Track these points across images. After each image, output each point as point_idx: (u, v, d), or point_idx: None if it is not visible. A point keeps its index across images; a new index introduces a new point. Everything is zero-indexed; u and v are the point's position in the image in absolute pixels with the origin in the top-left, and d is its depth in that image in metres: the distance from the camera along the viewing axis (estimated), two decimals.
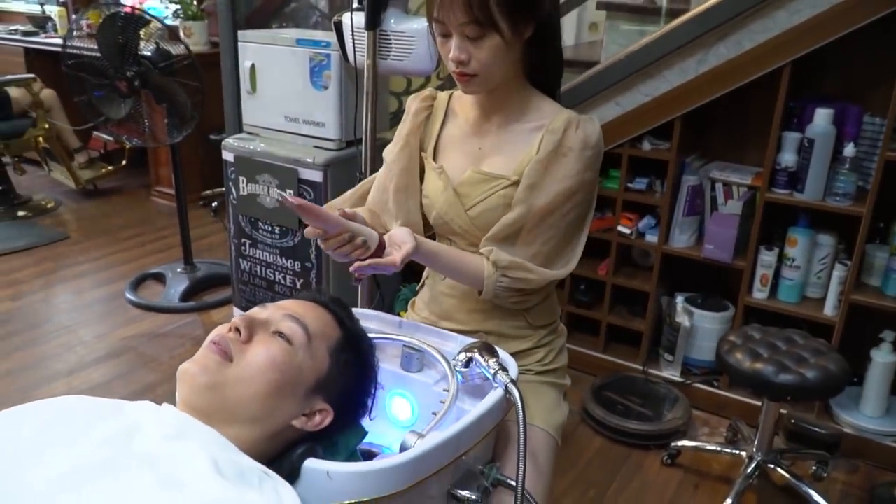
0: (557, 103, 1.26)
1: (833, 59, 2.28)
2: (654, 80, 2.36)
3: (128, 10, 2.87)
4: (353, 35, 2.09)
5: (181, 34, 3.91)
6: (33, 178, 4.75)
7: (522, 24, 1.13)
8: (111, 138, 4.42)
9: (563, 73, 1.30)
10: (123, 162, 4.52)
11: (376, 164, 2.08)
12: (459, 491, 1.03)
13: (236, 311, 2.94)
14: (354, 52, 2.12)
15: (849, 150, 2.17)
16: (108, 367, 2.74)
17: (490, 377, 1.07)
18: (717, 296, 2.60)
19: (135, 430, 0.83)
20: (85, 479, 0.75)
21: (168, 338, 2.96)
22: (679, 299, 2.56)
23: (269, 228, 2.66)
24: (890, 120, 2.04)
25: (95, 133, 4.59)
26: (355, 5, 2.05)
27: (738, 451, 2.20)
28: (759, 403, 2.14)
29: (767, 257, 2.36)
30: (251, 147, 2.61)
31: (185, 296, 3.24)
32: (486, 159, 1.26)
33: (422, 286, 1.45)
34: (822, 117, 2.18)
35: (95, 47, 2.84)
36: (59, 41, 4.41)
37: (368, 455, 1.11)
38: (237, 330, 0.90)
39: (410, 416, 1.21)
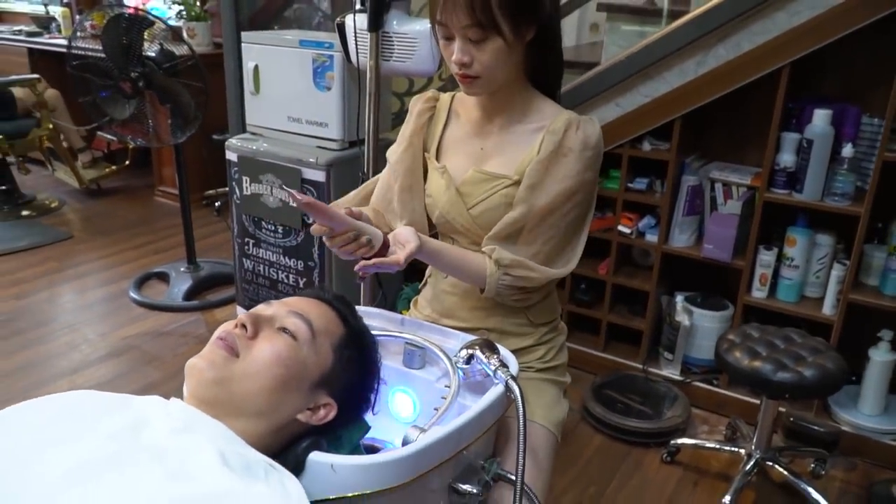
0: (558, 105, 1.28)
1: (832, 60, 2.30)
2: (653, 81, 2.38)
3: (131, 11, 2.89)
4: (355, 36, 2.11)
5: (184, 35, 3.93)
6: (37, 177, 4.78)
7: (524, 27, 1.15)
8: (114, 138, 4.44)
9: (563, 74, 1.31)
10: (127, 162, 4.55)
11: (379, 164, 2.09)
12: (460, 485, 1.06)
13: (239, 310, 2.96)
14: (357, 53, 2.14)
15: (847, 150, 2.19)
16: (111, 365, 2.76)
17: (491, 374, 1.09)
18: (717, 295, 2.62)
19: (143, 424, 0.85)
20: (93, 472, 0.76)
21: (171, 336, 2.98)
22: (679, 298, 2.58)
23: (273, 228, 2.68)
24: (888, 121, 2.06)
25: (99, 133, 4.62)
26: (358, 7, 2.07)
27: (736, 449, 2.22)
28: (757, 402, 2.16)
29: (766, 257, 2.38)
30: (254, 147, 2.63)
31: (189, 295, 3.26)
32: (488, 159, 1.28)
33: (424, 284, 1.47)
34: (821, 118, 2.20)
35: (100, 48, 2.86)
36: (63, 42, 4.44)
37: (371, 450, 1.13)
38: (243, 326, 0.92)
39: (412, 412, 1.23)
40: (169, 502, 0.74)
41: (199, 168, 4.03)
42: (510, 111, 1.26)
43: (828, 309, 2.33)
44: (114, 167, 4.70)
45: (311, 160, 2.49)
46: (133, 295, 3.27)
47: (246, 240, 2.79)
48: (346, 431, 1.01)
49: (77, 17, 4.90)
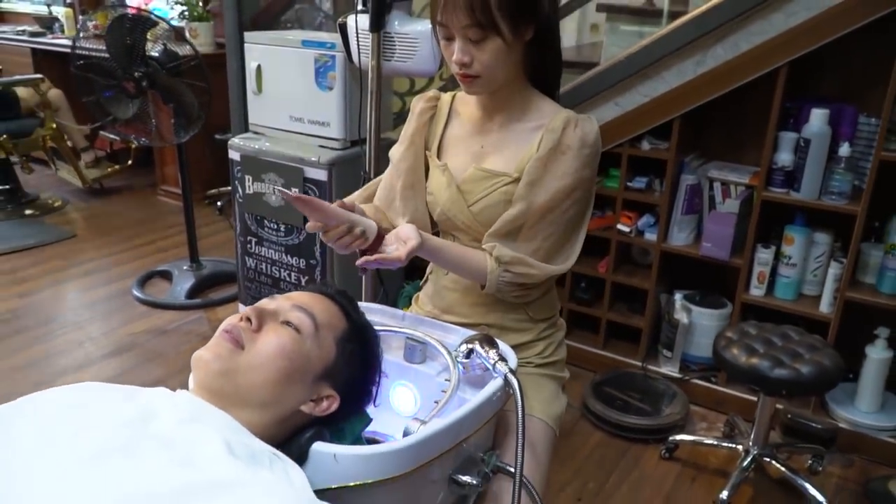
0: (557, 103, 1.30)
1: (829, 60, 2.32)
2: (652, 81, 2.40)
3: (134, 11, 2.91)
4: (357, 37, 2.13)
5: (187, 35, 3.96)
6: (40, 177, 4.81)
7: (523, 27, 1.17)
8: (117, 138, 4.47)
9: (562, 73, 1.33)
10: (129, 161, 4.57)
11: (380, 163, 2.11)
12: (461, 476, 1.08)
13: (242, 308, 2.98)
14: (359, 53, 2.16)
15: (844, 149, 2.21)
16: (115, 362, 2.78)
17: (490, 367, 1.11)
18: (715, 293, 2.64)
19: (150, 415, 0.87)
20: (104, 459, 0.79)
21: (174, 334, 3.01)
22: (678, 296, 2.60)
23: (275, 226, 2.70)
24: (884, 120, 2.08)
25: (102, 133, 4.64)
26: (360, 7, 2.09)
27: (734, 445, 2.24)
28: (755, 399, 2.18)
29: (764, 255, 2.40)
30: (257, 146, 2.65)
31: (191, 293, 3.29)
32: (488, 157, 1.30)
33: (425, 281, 1.49)
34: (818, 118, 2.22)
35: (103, 48, 2.88)
36: (66, 42, 4.48)
37: (373, 443, 1.15)
38: (248, 319, 0.94)
39: (413, 405, 1.26)
40: (177, 489, 0.76)
41: (201, 167, 4.05)
42: (510, 110, 1.28)
43: (825, 307, 2.35)
44: (116, 167, 4.72)
45: (313, 159, 2.51)
46: (136, 293, 3.30)
47: (248, 238, 2.81)
48: (348, 423, 1.03)
49: (80, 17, 4.92)
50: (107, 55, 2.87)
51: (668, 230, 2.55)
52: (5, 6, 5.97)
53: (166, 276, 3.46)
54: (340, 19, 2.20)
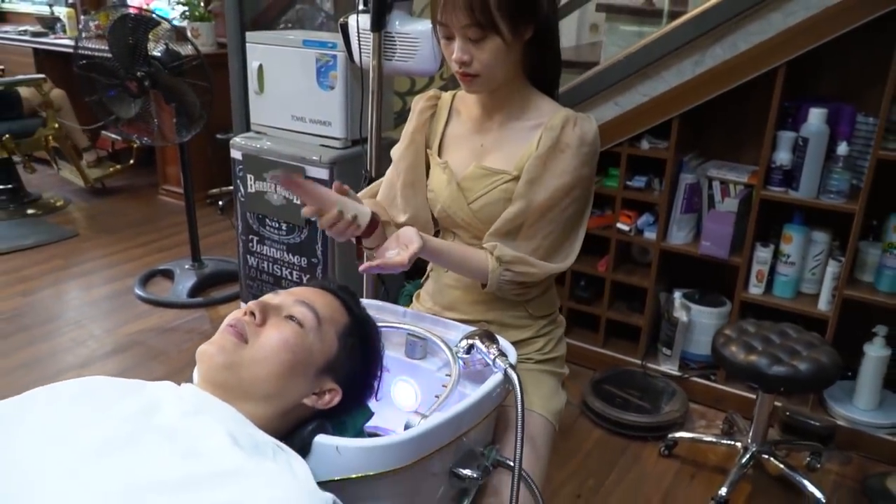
0: (556, 102, 1.32)
1: (828, 59, 2.33)
2: (652, 80, 2.41)
3: (135, 10, 2.92)
4: (358, 36, 2.14)
5: (188, 35, 3.97)
6: (43, 176, 4.82)
7: (522, 27, 1.19)
8: (119, 138, 4.48)
9: (561, 73, 1.35)
10: (131, 161, 4.59)
11: (381, 162, 2.13)
12: (461, 470, 1.09)
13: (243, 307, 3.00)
14: (360, 52, 2.17)
15: (842, 148, 2.22)
16: (118, 360, 2.80)
17: (490, 363, 1.13)
18: (715, 291, 2.65)
19: (156, 408, 0.89)
20: (110, 450, 0.80)
21: (176, 332, 3.02)
22: (677, 295, 2.62)
23: (276, 225, 2.72)
24: (882, 119, 2.09)
25: (104, 133, 4.66)
26: (361, 7, 2.10)
27: (733, 442, 2.25)
28: (754, 396, 2.19)
29: (763, 254, 2.41)
30: (259, 146, 2.67)
31: (193, 292, 3.30)
32: (488, 155, 1.31)
33: (426, 278, 1.51)
34: (816, 117, 2.24)
35: (106, 48, 2.90)
36: (68, 42, 4.50)
37: (374, 437, 1.17)
38: (252, 314, 0.96)
39: (414, 400, 1.27)
40: (182, 479, 0.77)
41: (203, 167, 4.07)
42: (509, 108, 1.30)
43: (823, 305, 2.36)
44: (118, 166, 4.73)
45: (314, 158, 2.52)
46: (138, 292, 3.31)
47: (250, 237, 2.83)
48: (350, 417, 1.05)
49: (82, 17, 4.94)
50: (109, 55, 2.89)
51: (667, 229, 2.56)
52: (7, 6, 6.00)
53: (168, 274, 3.48)
54: (342, 19, 2.21)
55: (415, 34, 2.06)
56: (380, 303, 1.36)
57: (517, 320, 1.38)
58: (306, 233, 2.64)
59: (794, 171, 2.29)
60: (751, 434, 2.17)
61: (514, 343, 1.26)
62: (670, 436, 2.33)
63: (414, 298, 1.54)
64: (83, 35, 3.02)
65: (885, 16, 2.03)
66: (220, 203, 4.41)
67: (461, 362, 1.18)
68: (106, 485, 0.76)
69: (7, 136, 4.14)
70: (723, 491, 2.06)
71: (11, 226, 4.12)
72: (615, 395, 2.55)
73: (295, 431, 0.96)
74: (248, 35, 2.72)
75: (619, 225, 2.62)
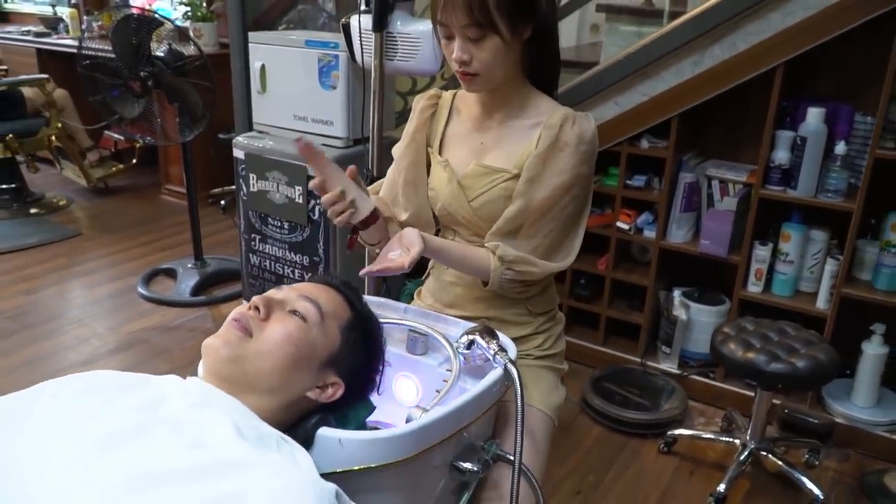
0: (555, 101, 1.33)
1: (826, 59, 2.35)
2: (651, 80, 2.42)
3: (138, 10, 2.94)
4: (360, 36, 2.16)
5: (191, 35, 3.99)
6: (46, 176, 4.85)
7: (521, 26, 1.20)
8: (122, 137, 4.50)
9: (560, 72, 1.37)
10: (134, 161, 4.61)
11: (383, 161, 2.14)
12: (461, 463, 1.11)
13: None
14: (362, 52, 2.19)
15: (840, 147, 2.24)
16: (121, 358, 2.82)
17: (490, 358, 1.14)
18: (714, 290, 2.67)
19: (162, 400, 0.90)
20: (118, 442, 0.82)
21: (179, 331, 3.04)
22: (676, 293, 2.63)
23: (279, 224, 2.73)
24: (880, 118, 2.11)
25: (106, 132, 4.68)
26: (363, 7, 2.12)
27: (732, 439, 2.27)
28: (752, 394, 2.21)
29: (762, 252, 2.43)
30: (261, 145, 2.69)
31: (196, 290, 3.32)
32: (488, 153, 1.33)
33: (427, 276, 1.52)
34: (814, 116, 2.25)
35: (109, 48, 2.92)
36: (71, 42, 4.52)
37: None
38: (256, 308, 0.97)
39: (416, 395, 1.29)
40: (187, 470, 0.79)
41: (205, 167, 4.08)
42: (509, 107, 1.31)
43: (822, 303, 2.38)
44: (121, 166, 4.76)
45: None
46: (141, 290, 3.33)
47: (252, 235, 2.84)
48: (352, 410, 1.06)
49: (85, 17, 4.96)
50: (113, 55, 2.91)
51: (666, 228, 2.58)
52: (10, 7, 6.02)
53: (171, 273, 3.50)
54: (344, 19, 2.23)
55: (416, 34, 2.07)
56: (382, 300, 1.38)
57: (517, 317, 1.40)
58: (308, 231, 2.65)
59: (792, 170, 2.31)
60: (749, 431, 2.19)
61: (514, 340, 1.27)
62: (669, 433, 2.34)
63: (415, 296, 1.56)
64: (86, 35, 3.04)
65: (883, 16, 2.04)
66: (223, 202, 4.43)
67: (462, 358, 1.20)
68: (113, 475, 0.78)
69: (10, 135, 4.16)
70: (721, 487, 2.07)
71: (15, 225, 4.14)
72: (615, 392, 2.56)
73: (298, 424, 0.98)
74: (251, 35, 2.73)
75: (618, 224, 2.64)
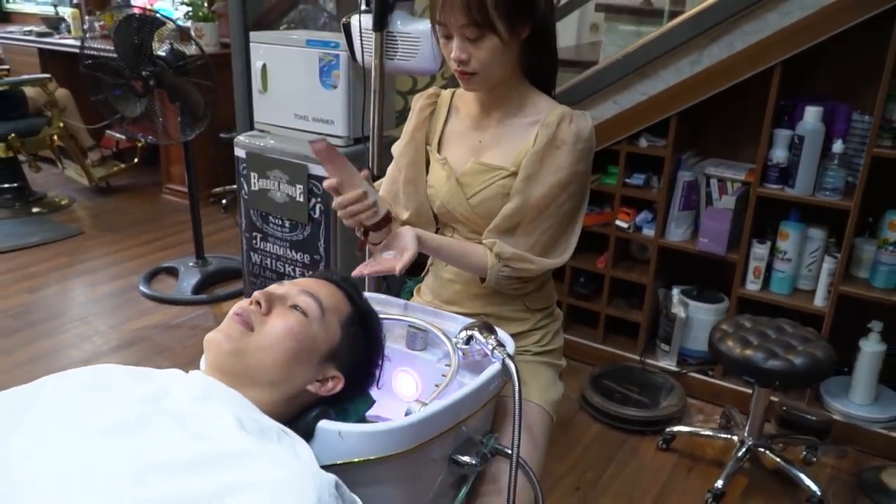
0: (553, 100, 1.35)
1: (824, 58, 2.36)
2: (650, 79, 2.44)
3: (140, 10, 2.95)
4: (361, 36, 2.17)
5: (193, 35, 4.01)
6: (48, 175, 4.86)
7: (519, 26, 1.22)
8: (124, 137, 4.52)
9: (557, 71, 1.38)
10: (135, 160, 4.62)
11: (383, 160, 2.15)
12: (460, 457, 1.12)
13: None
14: (362, 52, 2.20)
15: (837, 146, 2.25)
16: (123, 356, 2.83)
17: (489, 353, 1.16)
18: (712, 288, 2.68)
19: (164, 393, 0.92)
20: (119, 434, 0.83)
21: (180, 329, 3.06)
22: (675, 291, 2.65)
23: (280, 222, 2.75)
24: (877, 117, 2.12)
25: (108, 132, 4.70)
26: (363, 7, 2.13)
27: (730, 436, 2.28)
28: (750, 391, 2.22)
29: (760, 250, 2.44)
30: (262, 144, 2.70)
31: (197, 289, 3.34)
32: (486, 151, 1.35)
33: (426, 273, 1.54)
34: (812, 115, 2.26)
35: (111, 48, 2.94)
36: (73, 42, 4.53)
37: None
38: (258, 303, 0.99)
39: (415, 390, 1.30)
40: (189, 460, 0.80)
41: (206, 166, 4.10)
42: (507, 106, 1.33)
43: (819, 301, 2.39)
44: (122, 165, 4.77)
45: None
46: (143, 289, 3.35)
47: (253, 234, 2.86)
48: (352, 404, 1.08)
49: (86, 17, 4.98)
50: (115, 55, 2.92)
51: (665, 226, 2.59)
52: (12, 7, 6.04)
53: (172, 272, 3.51)
54: (344, 19, 2.24)
55: (416, 34, 2.09)
56: (382, 296, 1.39)
57: (515, 313, 1.41)
58: (309, 230, 2.67)
59: (790, 168, 2.32)
60: (747, 428, 2.20)
61: (513, 335, 1.28)
62: (668, 430, 2.36)
63: (415, 293, 1.57)
64: (88, 35, 3.06)
65: (880, 15, 2.05)
66: (224, 201, 4.44)
67: (460, 353, 1.21)
68: (115, 465, 0.79)
69: (12, 135, 4.17)
70: (719, 484, 2.09)
71: (17, 224, 4.16)
72: (614, 390, 2.57)
73: (299, 417, 0.99)
74: (252, 35, 2.75)
75: (617, 222, 2.65)
